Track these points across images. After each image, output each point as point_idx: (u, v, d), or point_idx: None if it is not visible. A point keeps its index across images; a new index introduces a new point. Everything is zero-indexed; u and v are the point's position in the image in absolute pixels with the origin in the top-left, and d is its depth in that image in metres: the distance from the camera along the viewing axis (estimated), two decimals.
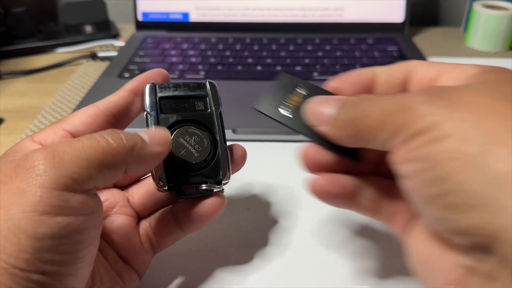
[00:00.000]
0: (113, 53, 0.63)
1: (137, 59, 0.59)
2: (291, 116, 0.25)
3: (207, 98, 0.28)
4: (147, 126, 0.27)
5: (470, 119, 0.17)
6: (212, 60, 0.59)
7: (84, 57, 0.64)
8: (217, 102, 0.28)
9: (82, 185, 0.20)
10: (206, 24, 0.68)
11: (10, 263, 0.18)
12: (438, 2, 0.80)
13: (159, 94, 0.27)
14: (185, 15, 0.68)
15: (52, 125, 0.25)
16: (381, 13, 0.67)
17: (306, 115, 0.24)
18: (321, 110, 0.23)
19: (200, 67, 0.57)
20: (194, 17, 0.68)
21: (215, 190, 0.27)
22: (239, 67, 0.57)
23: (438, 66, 0.23)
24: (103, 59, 0.63)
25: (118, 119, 0.27)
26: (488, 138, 0.16)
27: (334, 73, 0.55)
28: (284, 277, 0.29)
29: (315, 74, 0.54)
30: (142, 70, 0.56)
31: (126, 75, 0.55)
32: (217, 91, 0.29)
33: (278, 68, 0.56)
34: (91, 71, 0.60)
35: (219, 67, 0.57)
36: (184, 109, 0.27)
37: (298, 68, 0.56)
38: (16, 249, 0.18)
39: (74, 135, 0.25)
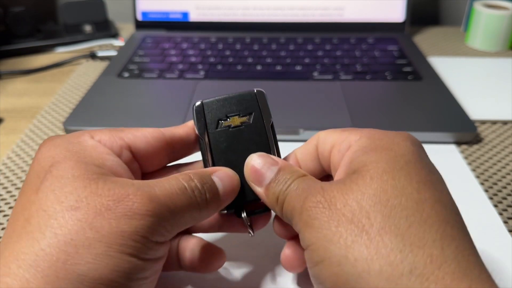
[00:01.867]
0: (113, 53, 0.63)
1: (137, 59, 0.59)
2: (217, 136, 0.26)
3: (257, 111, 0.27)
4: (201, 149, 0.27)
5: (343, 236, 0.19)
6: (212, 59, 0.59)
7: (84, 56, 0.63)
8: (267, 113, 0.27)
9: (167, 238, 0.21)
10: (206, 24, 0.68)
11: None
12: (438, 2, 0.79)
13: (208, 115, 0.27)
14: (185, 14, 0.68)
15: (112, 131, 0.25)
16: (382, 13, 0.67)
17: (246, 168, 0.25)
18: (262, 172, 0.24)
19: (200, 66, 0.57)
20: (193, 17, 0.68)
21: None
22: (239, 67, 0.57)
23: (334, 137, 0.25)
24: (103, 58, 0.63)
25: (175, 151, 0.27)
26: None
27: (334, 72, 0.54)
28: (286, 277, 0.29)
29: (315, 73, 0.54)
30: (141, 70, 0.56)
31: (126, 74, 0.54)
32: (266, 101, 0.27)
33: (278, 68, 0.56)
34: (91, 71, 0.60)
35: (219, 67, 0.57)
36: (235, 127, 0.27)
37: (298, 67, 0.56)
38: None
39: (133, 151, 0.25)
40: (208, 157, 0.26)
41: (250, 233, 0.26)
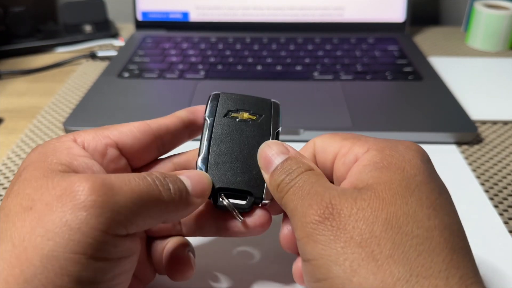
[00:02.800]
0: (113, 53, 0.63)
1: (137, 59, 0.59)
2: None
3: (267, 115, 0.27)
4: (202, 131, 0.27)
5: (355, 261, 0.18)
6: (212, 59, 0.59)
7: (84, 56, 0.63)
8: (276, 121, 0.27)
9: (129, 230, 0.20)
10: (206, 24, 0.68)
11: None
12: (438, 2, 0.79)
13: (221, 103, 0.27)
14: (185, 14, 0.68)
15: (97, 130, 0.24)
16: (382, 13, 0.67)
17: (259, 154, 0.25)
18: (272, 159, 0.23)
19: (200, 66, 0.57)
20: (194, 17, 0.68)
21: (246, 208, 0.25)
22: (239, 67, 0.56)
23: (335, 145, 0.24)
24: (103, 58, 0.63)
25: (164, 143, 0.26)
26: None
27: (335, 72, 0.54)
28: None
29: (315, 73, 0.54)
30: (141, 70, 0.56)
31: (126, 74, 0.54)
32: (279, 112, 0.28)
33: (278, 68, 0.56)
34: (91, 71, 0.60)
35: (219, 67, 0.56)
36: (242, 121, 0.27)
37: (298, 67, 0.56)
38: None
39: (119, 147, 0.24)
40: (204, 140, 0.26)
41: (238, 218, 0.25)
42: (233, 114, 0.27)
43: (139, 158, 0.26)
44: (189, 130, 0.28)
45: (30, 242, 0.17)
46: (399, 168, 0.20)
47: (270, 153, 0.24)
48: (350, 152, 0.23)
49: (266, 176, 0.24)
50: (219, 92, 0.28)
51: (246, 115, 0.27)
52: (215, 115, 0.27)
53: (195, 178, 0.23)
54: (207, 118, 0.27)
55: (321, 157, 0.25)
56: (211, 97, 0.28)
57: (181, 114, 0.27)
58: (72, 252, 0.17)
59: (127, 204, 0.19)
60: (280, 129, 0.27)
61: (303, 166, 0.22)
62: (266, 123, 0.27)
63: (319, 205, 0.20)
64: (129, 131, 0.25)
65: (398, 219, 0.19)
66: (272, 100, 0.28)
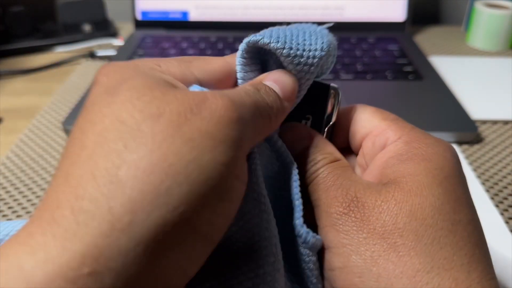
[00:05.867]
0: (112, 52, 0.62)
1: (136, 58, 0.59)
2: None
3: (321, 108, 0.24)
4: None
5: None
6: None
7: (83, 56, 0.63)
8: (330, 115, 0.24)
9: (249, 149, 0.18)
10: (206, 23, 0.68)
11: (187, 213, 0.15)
12: (439, 1, 0.79)
13: None
14: (185, 14, 0.68)
15: (181, 62, 0.21)
16: (382, 12, 0.67)
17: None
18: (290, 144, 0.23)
19: None
20: (193, 16, 0.68)
21: None
22: None
23: (372, 123, 0.23)
24: (102, 58, 0.63)
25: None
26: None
27: (335, 72, 0.54)
28: None
29: None
30: None
31: None
32: (335, 102, 0.24)
33: None
34: (90, 71, 0.60)
35: None
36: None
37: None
38: (194, 201, 0.15)
39: (201, 85, 0.21)
40: None
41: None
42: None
43: None
44: None
45: (169, 149, 0.15)
46: (426, 159, 0.20)
47: (289, 138, 0.22)
48: (382, 135, 0.22)
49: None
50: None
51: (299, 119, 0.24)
52: None
53: (284, 82, 0.21)
54: None
55: (354, 127, 0.24)
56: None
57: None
58: (220, 163, 0.15)
59: (252, 119, 0.18)
60: (333, 122, 0.24)
61: (329, 157, 0.22)
62: (319, 116, 0.24)
63: (344, 197, 0.20)
64: (213, 71, 0.21)
65: (423, 210, 0.18)
66: (331, 85, 0.24)
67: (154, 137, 0.15)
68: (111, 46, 0.67)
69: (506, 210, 0.36)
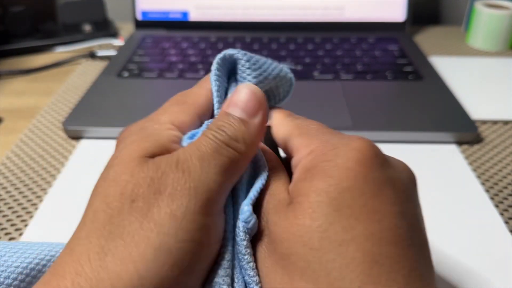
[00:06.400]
0: (112, 53, 0.62)
1: (137, 59, 0.59)
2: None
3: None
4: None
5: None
6: (212, 59, 0.58)
7: (83, 56, 0.63)
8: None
9: (220, 205, 0.20)
10: (206, 23, 0.68)
11: None
12: (439, 1, 0.79)
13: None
14: (185, 14, 0.68)
15: (181, 105, 0.23)
16: (382, 12, 0.67)
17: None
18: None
19: (200, 66, 0.56)
20: (193, 16, 0.68)
21: None
22: None
23: (292, 143, 0.22)
24: (102, 58, 0.63)
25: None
26: None
27: (335, 72, 0.54)
28: None
29: (316, 73, 0.54)
30: (141, 70, 0.55)
31: (125, 74, 0.54)
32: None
33: None
34: (90, 71, 0.60)
35: None
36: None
37: (298, 67, 0.56)
38: (168, 283, 0.17)
39: (201, 118, 0.23)
40: None
41: None
42: None
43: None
44: None
45: (140, 236, 0.17)
46: (325, 175, 0.18)
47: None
48: (297, 153, 0.21)
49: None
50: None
51: None
52: None
53: (240, 99, 0.21)
54: None
55: (276, 132, 0.24)
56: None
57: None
58: (183, 241, 0.17)
59: (213, 178, 0.19)
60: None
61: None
62: None
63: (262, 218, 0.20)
64: (205, 103, 0.23)
65: (311, 235, 0.17)
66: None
67: (130, 225, 0.17)
68: (111, 46, 0.67)
69: (506, 210, 0.36)
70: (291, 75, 0.25)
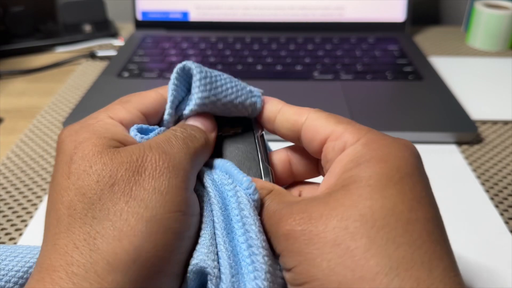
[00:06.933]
0: (112, 53, 0.63)
1: (137, 59, 0.59)
2: None
3: (248, 122, 0.27)
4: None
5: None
6: (212, 59, 0.58)
7: (83, 56, 0.63)
8: (257, 125, 0.26)
9: (192, 185, 0.21)
10: (206, 24, 0.68)
11: (156, 263, 0.18)
12: (439, 2, 0.79)
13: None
14: (185, 14, 0.68)
15: (123, 104, 0.24)
16: (382, 12, 0.67)
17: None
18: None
19: None
20: (194, 16, 0.68)
21: None
22: (239, 67, 0.56)
23: (328, 128, 0.23)
24: (102, 58, 0.63)
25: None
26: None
27: (335, 72, 0.54)
28: None
29: (316, 73, 0.54)
30: (141, 70, 0.56)
31: (126, 74, 0.54)
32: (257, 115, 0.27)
33: (279, 67, 0.56)
34: (90, 71, 0.60)
35: (219, 67, 0.56)
36: (226, 135, 0.26)
37: (299, 67, 0.56)
38: (162, 249, 0.18)
39: (146, 117, 0.24)
40: None
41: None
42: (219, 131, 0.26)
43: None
44: None
45: (129, 213, 0.18)
46: (382, 161, 0.20)
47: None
48: (340, 139, 0.22)
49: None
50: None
51: (228, 130, 0.26)
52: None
53: (199, 118, 0.24)
54: None
55: (310, 134, 0.24)
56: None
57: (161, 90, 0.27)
58: (171, 211, 0.19)
59: (186, 159, 0.21)
60: (262, 132, 0.26)
61: (261, 192, 0.22)
62: (249, 129, 0.26)
63: (288, 216, 0.19)
64: (150, 104, 0.25)
65: (373, 213, 0.18)
66: (250, 101, 0.26)
67: (114, 206, 0.18)
68: (111, 46, 0.67)
69: (506, 210, 0.36)
70: (256, 99, 0.26)
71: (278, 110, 0.25)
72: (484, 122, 0.48)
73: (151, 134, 0.23)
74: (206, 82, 0.23)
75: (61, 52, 0.67)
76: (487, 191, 0.38)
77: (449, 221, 0.34)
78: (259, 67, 0.56)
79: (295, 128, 0.25)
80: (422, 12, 0.78)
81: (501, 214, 0.35)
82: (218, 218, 0.21)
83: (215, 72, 0.24)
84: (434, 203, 0.20)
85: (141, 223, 0.18)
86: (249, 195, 0.21)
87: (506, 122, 0.48)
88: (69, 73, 0.60)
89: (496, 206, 0.36)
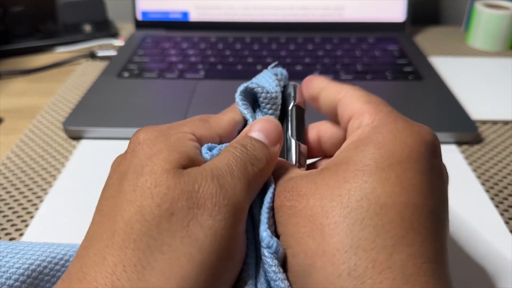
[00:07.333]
0: (113, 53, 0.63)
1: (137, 59, 0.59)
2: None
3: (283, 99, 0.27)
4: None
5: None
6: (212, 59, 0.58)
7: (83, 56, 0.63)
8: (290, 99, 0.27)
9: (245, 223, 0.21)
10: (206, 24, 0.68)
11: None
12: (439, 2, 0.79)
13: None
14: (185, 14, 0.68)
15: (203, 122, 0.24)
16: (382, 12, 0.67)
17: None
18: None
19: (200, 66, 0.56)
20: (193, 16, 0.68)
21: None
22: (239, 67, 0.56)
23: (356, 106, 0.24)
24: (102, 58, 0.63)
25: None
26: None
27: (335, 72, 0.54)
28: None
29: (316, 73, 0.54)
30: (141, 70, 0.56)
31: (126, 74, 0.54)
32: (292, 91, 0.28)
33: None
34: (90, 71, 0.60)
35: (219, 67, 0.56)
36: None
37: (299, 67, 0.56)
38: None
39: (221, 139, 0.24)
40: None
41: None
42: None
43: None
44: None
45: (182, 252, 0.17)
46: (378, 146, 0.20)
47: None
48: (360, 118, 0.22)
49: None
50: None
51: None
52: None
53: (265, 128, 0.23)
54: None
55: (341, 111, 0.25)
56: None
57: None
58: (223, 259, 0.18)
59: (242, 195, 0.20)
60: (294, 106, 0.27)
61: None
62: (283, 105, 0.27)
63: (281, 192, 0.21)
64: (225, 127, 0.25)
65: (351, 195, 0.19)
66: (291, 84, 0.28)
67: (169, 239, 0.17)
68: (111, 46, 0.67)
69: (506, 210, 0.36)
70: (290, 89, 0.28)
71: (322, 88, 0.26)
72: (484, 122, 0.48)
73: (214, 151, 0.22)
74: (269, 97, 0.26)
75: (61, 52, 0.67)
76: (487, 191, 0.38)
77: (449, 221, 0.34)
78: (259, 67, 0.56)
79: (334, 104, 0.25)
80: (422, 12, 0.78)
81: (501, 214, 0.35)
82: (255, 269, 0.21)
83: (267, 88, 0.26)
84: (429, 192, 0.19)
85: (192, 266, 0.17)
86: (271, 254, 0.20)
87: (506, 122, 0.48)
88: (69, 73, 0.60)
89: (497, 206, 0.36)
